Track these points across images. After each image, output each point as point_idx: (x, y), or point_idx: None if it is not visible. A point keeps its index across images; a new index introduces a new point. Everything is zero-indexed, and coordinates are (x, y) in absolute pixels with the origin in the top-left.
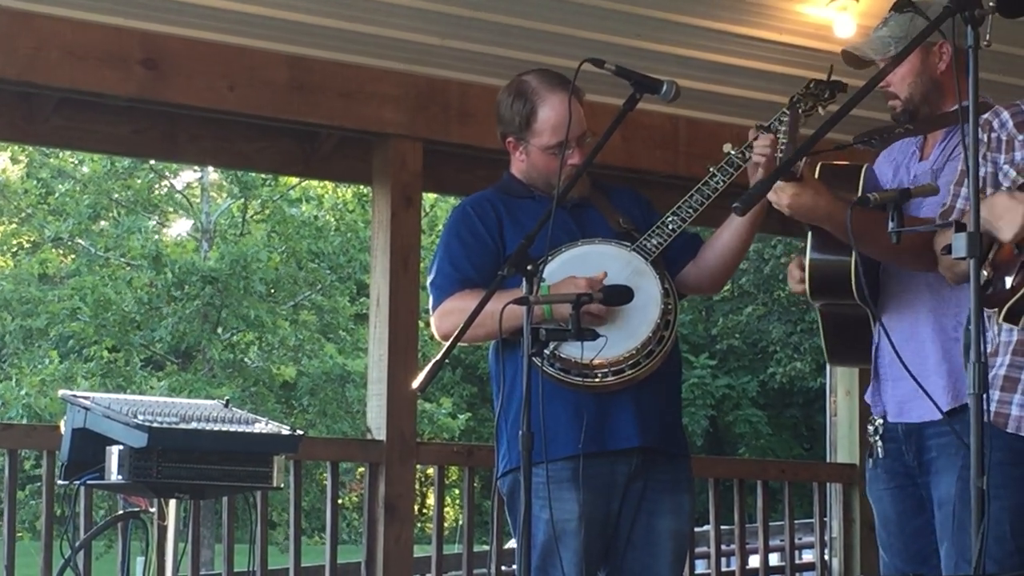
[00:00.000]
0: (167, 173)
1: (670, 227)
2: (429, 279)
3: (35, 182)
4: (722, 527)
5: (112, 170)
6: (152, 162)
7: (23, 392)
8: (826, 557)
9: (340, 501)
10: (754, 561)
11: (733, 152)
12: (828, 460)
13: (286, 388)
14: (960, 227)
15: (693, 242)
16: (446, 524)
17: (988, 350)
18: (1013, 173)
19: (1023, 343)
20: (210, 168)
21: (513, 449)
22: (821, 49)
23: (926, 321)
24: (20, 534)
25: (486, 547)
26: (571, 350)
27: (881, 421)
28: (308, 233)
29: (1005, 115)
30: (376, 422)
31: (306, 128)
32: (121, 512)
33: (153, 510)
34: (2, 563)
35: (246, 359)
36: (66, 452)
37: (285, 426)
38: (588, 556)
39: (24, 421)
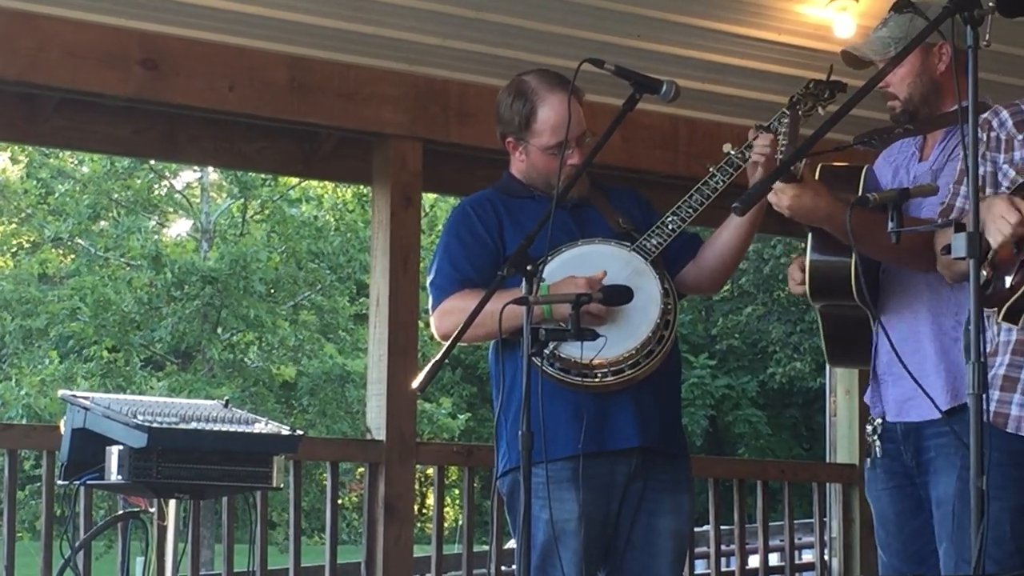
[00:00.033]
0: (167, 173)
1: (670, 227)
2: (429, 279)
3: (35, 182)
4: (722, 527)
5: (112, 170)
6: (152, 162)
7: (23, 392)
8: (826, 557)
9: (340, 501)
10: (754, 561)
11: (733, 152)
12: (828, 460)
13: (286, 388)
14: (960, 227)
15: (693, 242)
16: (446, 524)
17: (987, 350)
18: (1012, 172)
19: (1022, 343)
20: (210, 168)
21: (513, 449)
22: (820, 49)
23: (925, 321)
24: (20, 534)
25: (486, 547)
26: (571, 350)
27: (880, 421)
28: (308, 233)
29: (1004, 114)
30: (376, 422)
31: (306, 128)
32: (121, 512)
33: (153, 510)
34: (2, 563)
35: (246, 359)
36: (66, 452)
37: (285, 426)
38: (588, 556)
39: (24, 421)
